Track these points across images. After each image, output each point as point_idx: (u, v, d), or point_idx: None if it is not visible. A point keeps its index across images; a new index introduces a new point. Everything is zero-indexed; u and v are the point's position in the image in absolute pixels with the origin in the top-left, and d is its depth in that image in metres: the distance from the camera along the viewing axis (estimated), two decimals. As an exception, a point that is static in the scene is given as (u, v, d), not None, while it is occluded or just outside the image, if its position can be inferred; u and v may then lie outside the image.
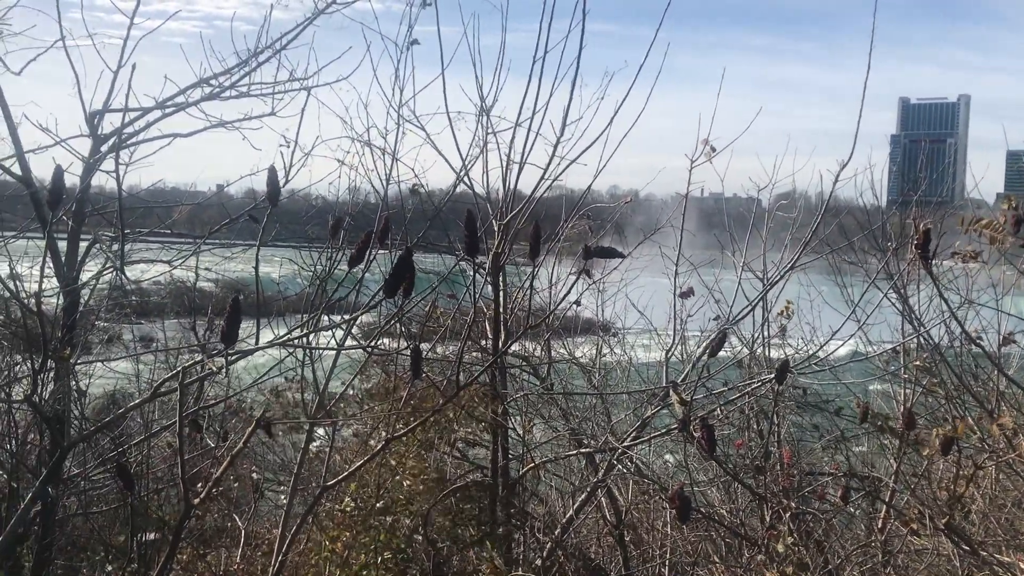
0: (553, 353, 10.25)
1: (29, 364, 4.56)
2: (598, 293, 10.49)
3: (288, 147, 5.03)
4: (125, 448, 5.42)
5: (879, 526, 6.81)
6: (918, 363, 6.10)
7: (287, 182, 4.90)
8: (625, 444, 6.36)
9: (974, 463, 4.74)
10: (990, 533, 6.44)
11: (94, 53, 5.79)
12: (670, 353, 7.57)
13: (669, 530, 8.38)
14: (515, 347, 10.02)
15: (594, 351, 10.92)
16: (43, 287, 5.18)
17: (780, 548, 4.87)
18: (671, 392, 5.19)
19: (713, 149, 7.49)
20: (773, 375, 4.95)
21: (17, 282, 4.21)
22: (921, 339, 7.00)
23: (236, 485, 8.22)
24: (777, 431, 8.33)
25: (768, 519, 5.68)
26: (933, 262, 6.96)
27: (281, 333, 4.62)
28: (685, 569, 7.81)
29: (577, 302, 9.83)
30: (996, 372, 6.81)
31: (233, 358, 3.98)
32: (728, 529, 6.43)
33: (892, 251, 6.54)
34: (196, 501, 3.41)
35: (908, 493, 6.27)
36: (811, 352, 6.56)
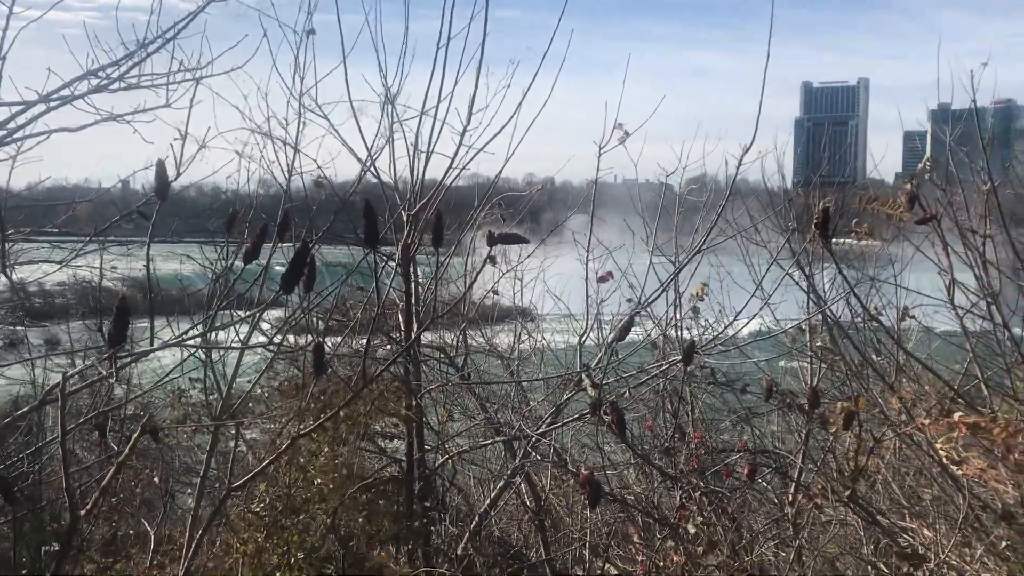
0: (472, 342, 10.23)
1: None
2: (515, 280, 10.52)
3: (180, 140, 4.82)
4: (15, 459, 5.15)
5: (789, 501, 6.98)
6: (819, 341, 6.24)
7: (179, 175, 4.70)
8: (540, 431, 6.36)
9: (873, 436, 4.88)
10: (894, 502, 6.67)
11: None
12: (584, 338, 7.62)
13: (589, 513, 8.47)
14: (432, 338, 9.96)
15: (512, 338, 10.95)
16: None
17: (691, 528, 4.94)
18: (583, 377, 5.21)
19: (627, 134, 7.52)
20: (681, 357, 5.00)
21: None
22: (825, 316, 7.19)
23: (139, 491, 7.93)
24: (690, 411, 8.50)
25: (679, 499, 5.76)
26: (839, 241, 7.17)
27: (179, 332, 4.46)
28: (603, 551, 7.88)
29: (494, 290, 9.84)
30: (895, 346, 7.07)
31: (125, 361, 3.81)
32: (640, 511, 6.50)
33: (793, 231, 6.68)
34: (83, 512, 3.24)
35: (814, 468, 6.44)
36: (717, 332, 6.65)
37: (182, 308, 5.67)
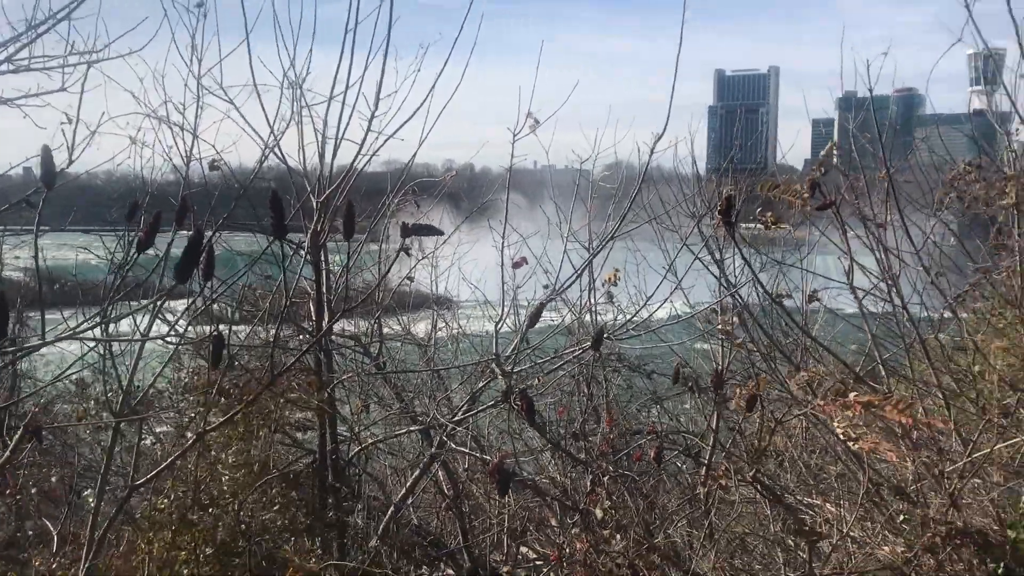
0: (388, 330, 10.12)
1: None
2: (432, 268, 10.45)
3: (70, 124, 4.61)
4: None
5: (701, 481, 7.12)
6: (722, 324, 6.37)
7: (72, 162, 4.50)
8: (455, 419, 6.34)
9: (774, 417, 5.01)
10: (801, 480, 6.87)
11: None
12: (499, 325, 7.62)
13: (501, 499, 8.50)
14: (347, 327, 9.82)
15: (429, 326, 10.90)
16: None
17: (599, 513, 4.99)
18: (493, 365, 5.20)
19: (537, 122, 7.51)
20: (590, 342, 5.03)
21: None
22: (734, 299, 7.34)
23: (45, 489, 7.63)
24: (605, 396, 8.59)
25: (589, 483, 5.82)
26: (750, 226, 7.32)
27: (73, 325, 4.28)
28: (519, 536, 7.92)
29: (409, 277, 9.76)
30: (802, 328, 7.26)
31: (20, 355, 3.64)
32: (549, 496, 6.55)
33: (701, 217, 6.79)
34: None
35: (721, 449, 6.58)
36: (629, 317, 6.73)
37: (86, 299, 5.45)
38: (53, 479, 7.30)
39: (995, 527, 4.12)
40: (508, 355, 5.64)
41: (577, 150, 9.22)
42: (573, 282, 7.35)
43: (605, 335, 5.53)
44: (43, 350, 7.29)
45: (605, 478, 5.44)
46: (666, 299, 6.35)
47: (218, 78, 6.07)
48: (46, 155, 3.50)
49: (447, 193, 10.86)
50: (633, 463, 6.31)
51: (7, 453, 3.18)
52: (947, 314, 5.69)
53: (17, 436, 3.15)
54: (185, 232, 4.36)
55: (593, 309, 8.82)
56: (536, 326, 7.91)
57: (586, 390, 7.88)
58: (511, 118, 7.12)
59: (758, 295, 7.15)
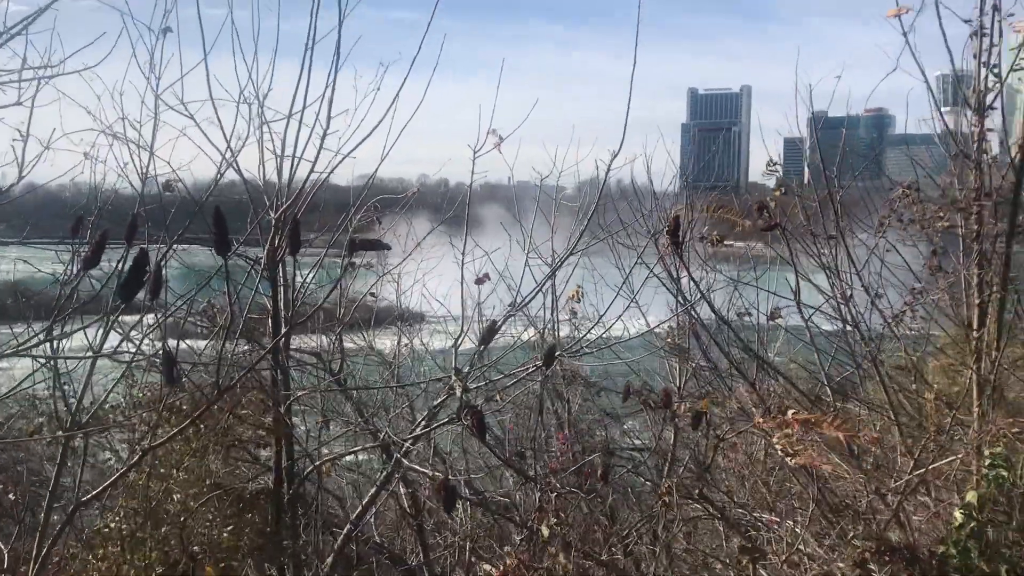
0: (351, 346, 10.09)
1: None
2: (396, 284, 10.45)
3: (21, 141, 4.60)
4: None
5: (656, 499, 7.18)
6: (670, 340, 6.46)
7: (22, 178, 4.49)
8: (409, 436, 6.35)
9: (717, 434, 5.09)
10: (758, 498, 6.95)
11: None
12: (460, 341, 7.64)
13: (466, 515, 8.50)
14: (310, 343, 9.78)
15: (394, 342, 10.87)
16: None
17: (544, 530, 5.02)
18: (453, 381, 5.23)
19: (500, 138, 7.57)
20: (543, 359, 5.08)
21: None
22: (689, 316, 7.43)
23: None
24: (565, 413, 8.64)
25: (537, 500, 5.86)
26: (730, 244, 7.41)
27: (20, 341, 4.27)
28: (480, 552, 7.92)
29: (372, 293, 9.75)
30: (758, 345, 7.37)
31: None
32: (497, 512, 6.58)
33: (655, 234, 6.87)
34: None
35: (678, 467, 6.64)
36: (583, 334, 6.78)
37: (35, 314, 5.41)
38: (11, 496, 7.20)
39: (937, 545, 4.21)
40: (465, 371, 5.66)
41: (540, 167, 9.30)
42: (532, 298, 7.39)
43: (558, 352, 5.57)
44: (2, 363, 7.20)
45: (553, 495, 5.47)
46: (618, 316, 6.41)
47: (179, 95, 6.07)
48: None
49: (423, 207, 10.87)
50: (584, 480, 6.35)
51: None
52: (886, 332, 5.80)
53: None
54: (134, 249, 4.37)
55: (555, 326, 8.89)
56: (502, 343, 7.95)
57: (542, 407, 7.91)
58: (480, 134, 7.17)
59: (714, 312, 7.25)
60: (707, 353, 7.03)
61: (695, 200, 8.65)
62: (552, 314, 8.78)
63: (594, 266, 9.50)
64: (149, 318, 5.94)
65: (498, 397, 6.04)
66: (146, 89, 5.56)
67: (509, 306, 7.84)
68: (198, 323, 6.94)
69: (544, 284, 7.51)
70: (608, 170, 7.18)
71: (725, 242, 5.27)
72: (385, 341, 11.17)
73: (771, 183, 6.67)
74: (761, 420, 4.03)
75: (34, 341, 4.09)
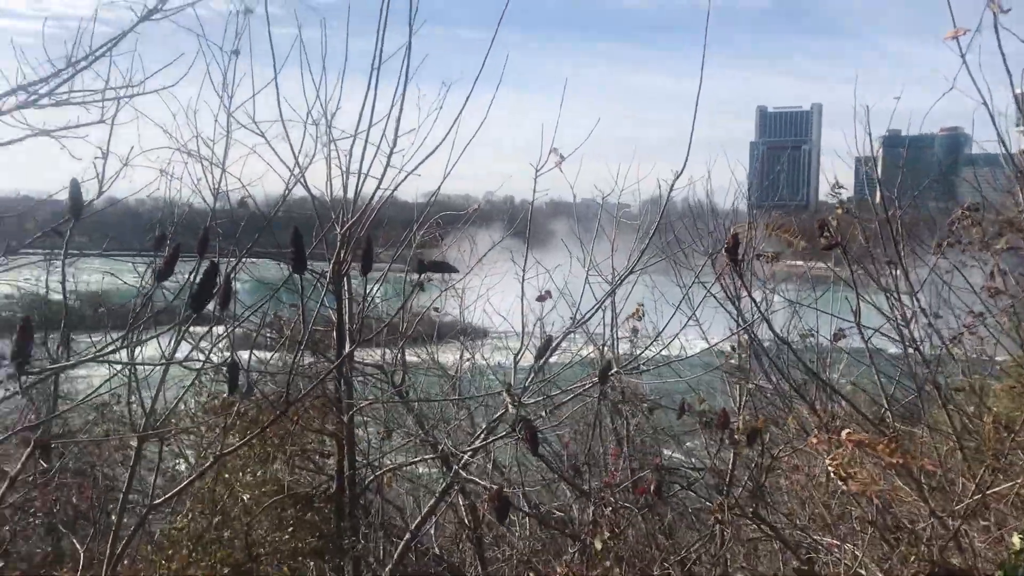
0: (414, 359, 10.26)
1: None
2: (459, 299, 10.61)
3: (102, 158, 4.86)
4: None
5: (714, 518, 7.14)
6: (726, 361, 6.44)
7: (102, 193, 4.74)
8: (470, 448, 6.45)
9: (771, 454, 5.06)
10: (814, 517, 6.86)
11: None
12: (519, 356, 7.73)
13: (526, 532, 8.56)
14: (373, 356, 9.99)
15: (456, 357, 11.02)
16: None
17: (597, 544, 5.05)
18: (504, 395, 5.32)
19: (562, 158, 7.66)
20: (599, 376, 5.13)
21: None
22: (750, 336, 7.38)
23: (68, 506, 7.86)
24: (624, 428, 8.64)
25: (591, 514, 5.89)
26: (795, 263, 7.35)
27: (98, 348, 4.49)
28: (538, 567, 7.96)
29: (435, 307, 9.92)
30: (819, 367, 7.29)
31: (44, 376, 3.84)
32: (552, 525, 6.62)
33: (713, 253, 6.86)
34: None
35: (736, 487, 6.59)
36: (640, 351, 6.80)
37: (113, 323, 5.68)
38: (83, 498, 7.51)
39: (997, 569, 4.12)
40: (522, 386, 5.74)
41: (600, 184, 9.38)
42: (592, 315, 7.44)
43: (616, 369, 5.62)
44: (82, 371, 7.55)
45: (608, 509, 5.49)
46: (675, 335, 6.41)
47: (251, 114, 6.31)
48: (74, 188, 3.73)
49: (487, 223, 11.01)
50: (639, 496, 6.36)
51: (19, 466, 3.36)
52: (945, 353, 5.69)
53: (27, 452, 3.33)
54: (207, 261, 4.57)
55: (614, 343, 8.92)
56: (561, 359, 8.01)
57: (599, 423, 7.94)
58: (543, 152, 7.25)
59: (774, 333, 7.20)
60: (767, 374, 6.97)
61: (760, 219, 8.61)
62: (611, 331, 8.82)
63: (655, 284, 9.52)
64: (219, 328, 6.19)
65: (545, 412, 6.09)
66: (219, 108, 5.82)
67: (569, 320, 7.92)
68: (266, 334, 7.16)
69: (604, 301, 7.55)
70: (671, 189, 7.19)
71: (787, 262, 5.24)
72: (447, 355, 11.33)
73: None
74: (815, 440, 4.01)
75: (111, 348, 4.30)
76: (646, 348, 6.53)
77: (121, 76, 6.04)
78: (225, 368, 6.58)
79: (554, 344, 5.64)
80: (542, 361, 5.47)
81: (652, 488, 5.45)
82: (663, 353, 7.16)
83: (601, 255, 8.93)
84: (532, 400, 5.86)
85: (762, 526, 5.22)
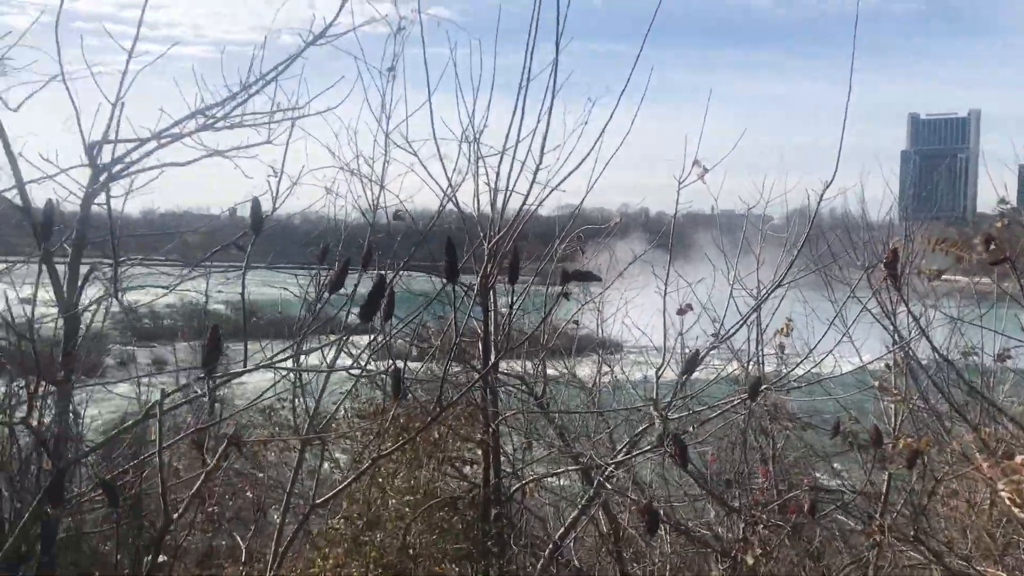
0: (552, 372, 10.38)
1: (26, 388, 4.74)
2: (598, 312, 10.64)
3: (275, 177, 5.21)
4: (123, 469, 5.57)
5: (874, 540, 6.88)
6: (881, 381, 6.19)
7: (275, 210, 5.07)
8: (612, 461, 6.48)
9: (934, 476, 4.84)
10: (978, 546, 6.51)
11: (94, 85, 5.98)
12: (660, 371, 7.70)
13: (667, 547, 8.49)
14: (514, 367, 10.16)
15: (593, 370, 11.05)
16: (42, 314, 5.39)
17: (749, 560, 4.97)
18: (651, 410, 5.32)
19: (705, 170, 7.61)
20: (747, 392, 5.06)
21: (15, 308, 4.40)
22: (907, 355, 7.09)
23: (232, 504, 8.36)
24: (770, 447, 8.44)
25: (741, 532, 5.79)
26: (950, 278, 7.02)
27: (271, 355, 4.79)
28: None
29: (575, 321, 10.00)
30: (983, 387, 6.91)
31: (224, 380, 4.14)
32: (699, 541, 6.54)
33: (870, 267, 6.64)
34: (176, 516, 3.57)
35: (891, 510, 6.34)
36: (791, 368, 6.65)
37: (277, 332, 6.05)
38: (249, 494, 7.97)
39: None
40: (667, 401, 5.74)
41: (744, 196, 9.23)
42: (737, 330, 7.33)
43: (764, 386, 5.52)
44: (241, 379, 8.02)
45: (758, 527, 5.40)
46: (829, 352, 6.23)
47: (404, 133, 6.62)
48: (255, 206, 4.02)
49: (625, 236, 11.02)
50: (789, 516, 6.21)
51: (213, 462, 3.64)
52: None
53: (222, 448, 3.60)
54: (369, 274, 4.82)
55: (760, 359, 8.73)
56: (703, 375, 7.92)
57: (745, 440, 7.79)
58: (671, 163, 7.25)
59: (935, 351, 6.88)
60: (924, 394, 6.68)
61: (915, 231, 8.26)
62: (757, 347, 8.64)
63: (804, 299, 9.27)
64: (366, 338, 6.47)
65: (693, 428, 6.04)
66: (378, 129, 6.13)
67: (711, 336, 7.82)
68: (416, 344, 7.42)
69: (749, 316, 7.42)
70: (820, 200, 7.01)
71: (947, 277, 5.02)
72: (583, 368, 11.38)
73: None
74: (985, 465, 3.82)
75: (283, 356, 4.59)
76: (797, 365, 6.38)
77: (286, 98, 6.48)
78: (382, 376, 6.88)
79: (701, 359, 5.59)
80: (687, 376, 5.44)
81: (805, 508, 5.31)
82: (814, 370, 6.98)
83: (744, 268, 8.79)
84: (677, 416, 5.83)
85: (924, 552, 4.99)
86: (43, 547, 5.67)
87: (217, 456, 3.58)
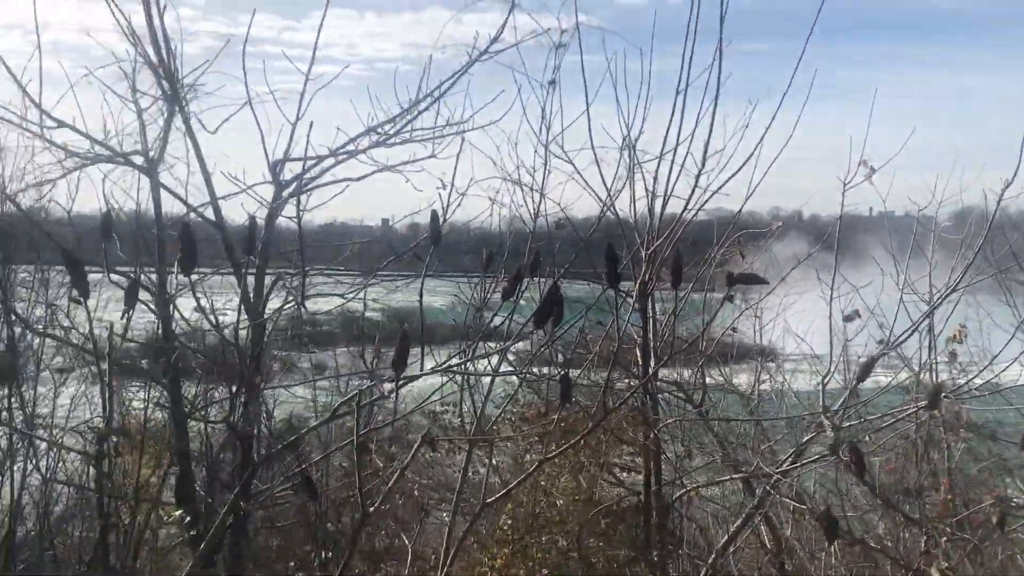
0: (709, 380, 10.23)
1: (227, 390, 5.14)
2: (756, 319, 10.41)
3: (445, 189, 5.44)
4: (307, 464, 5.93)
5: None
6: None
7: (445, 220, 5.29)
8: (780, 470, 6.34)
9: None
10: None
11: (275, 106, 6.43)
12: (827, 379, 7.47)
13: (833, 560, 8.19)
14: (668, 374, 10.09)
15: (752, 378, 10.81)
16: (235, 321, 5.84)
17: (935, 573, 4.75)
18: (823, 418, 5.19)
19: (872, 170, 7.37)
20: (926, 401, 4.86)
21: (215, 316, 4.78)
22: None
23: (401, 502, 8.70)
24: (946, 458, 8.00)
25: (923, 545, 5.53)
26: None
27: (442, 360, 5.00)
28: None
29: (733, 328, 9.81)
30: None
31: (402, 383, 4.36)
32: (880, 552, 6.27)
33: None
34: (372, 509, 3.78)
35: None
36: (970, 377, 6.31)
37: (433, 338, 6.29)
38: (415, 493, 8.29)
39: None
40: (837, 409, 5.57)
41: (915, 196, 8.82)
42: (908, 337, 7.01)
43: (943, 395, 5.28)
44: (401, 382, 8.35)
45: (943, 539, 5.16)
46: (1015, 359, 5.88)
47: (561, 143, 6.77)
48: (434, 218, 4.23)
49: (780, 239, 10.77)
50: (975, 529, 5.88)
51: (408, 458, 3.84)
52: None
53: (417, 444, 3.80)
54: (535, 281, 4.95)
55: (933, 368, 8.29)
56: (865, 384, 7.60)
57: (927, 451, 7.44)
58: (839, 163, 7.07)
59: None
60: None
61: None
62: (929, 355, 8.23)
63: (977, 303, 8.77)
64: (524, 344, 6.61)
65: (869, 437, 5.83)
66: (538, 142, 6.31)
67: (878, 343, 7.51)
68: (575, 350, 7.52)
69: (921, 322, 7.09)
70: (999, 199, 6.65)
71: None
72: (740, 376, 11.15)
73: None
74: None
75: (454, 361, 4.78)
76: (978, 374, 6.06)
77: (448, 113, 6.76)
78: (545, 380, 7.03)
79: (873, 365, 5.41)
80: (859, 382, 5.27)
81: (996, 521, 5.04)
82: (993, 380, 6.60)
83: (914, 272, 8.40)
84: (849, 423, 5.65)
85: None
86: (234, 539, 6.12)
87: (412, 453, 3.78)
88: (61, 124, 5.96)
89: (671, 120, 6.64)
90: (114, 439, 5.62)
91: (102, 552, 5.17)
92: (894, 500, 6.33)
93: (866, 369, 4.84)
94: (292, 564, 6.19)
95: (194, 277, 3.51)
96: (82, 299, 3.17)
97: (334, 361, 14.60)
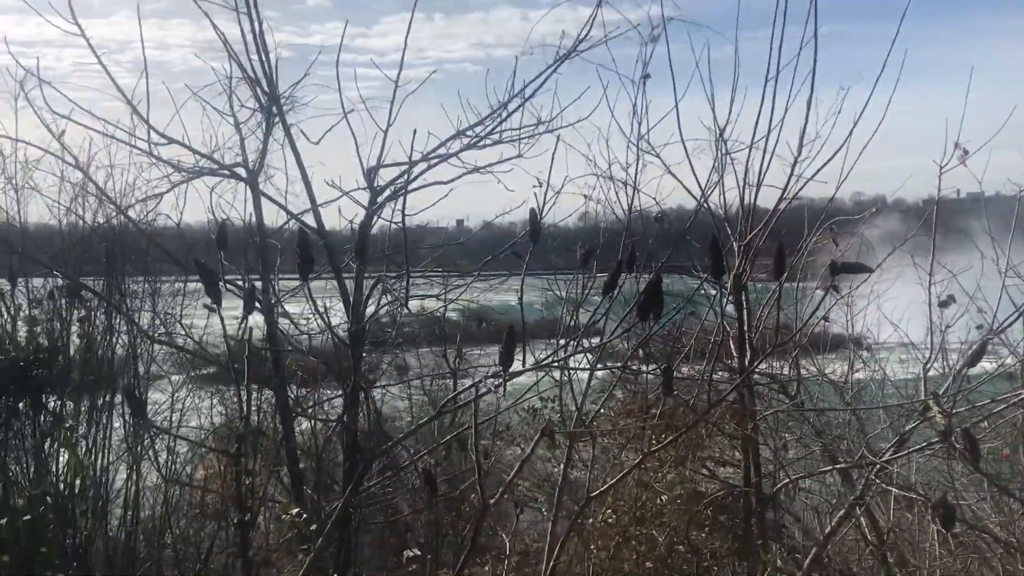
0: (802, 371, 10.08)
1: (341, 389, 5.34)
2: (847, 307, 10.21)
3: (540, 187, 5.53)
4: (418, 457, 6.11)
5: None
6: None
7: (542, 218, 5.38)
8: (883, 459, 6.25)
9: None
10: None
11: (367, 114, 6.63)
12: (928, 366, 7.32)
13: (937, 550, 8.00)
14: (762, 365, 9.96)
15: (845, 367, 10.61)
16: (338, 323, 6.06)
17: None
18: (931, 404, 5.11)
19: (965, 152, 7.21)
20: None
21: (327, 317, 4.99)
22: None
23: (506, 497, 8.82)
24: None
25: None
26: None
27: (541, 356, 5.11)
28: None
29: (825, 318, 9.65)
30: None
31: (509, 378, 4.48)
32: (999, 541, 6.13)
33: None
34: (492, 500, 3.90)
35: None
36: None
37: (535, 335, 6.39)
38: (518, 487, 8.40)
39: None
40: (944, 395, 5.48)
41: (1015, 176, 8.57)
42: (1013, 322, 6.82)
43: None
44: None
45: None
46: None
47: (650, 138, 6.78)
48: (533, 217, 4.33)
49: (867, 224, 10.55)
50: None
51: (529, 450, 3.96)
52: None
53: (538, 436, 3.91)
54: (633, 275, 5.01)
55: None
56: (978, 370, 7.40)
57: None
58: (923, 145, 6.95)
59: None
60: None
61: None
62: (1034, 340, 7.97)
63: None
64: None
65: (985, 423, 5.71)
66: (630, 135, 6.34)
67: (977, 328, 7.31)
68: (671, 344, 7.53)
69: (1024, 306, 6.89)
70: (1102, 176, 6.44)
71: None
72: (834, 366, 10.95)
73: None
74: None
75: (552, 359, 4.88)
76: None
77: (535, 112, 6.84)
78: (644, 375, 7.07)
79: (984, 350, 5.30)
80: (970, 367, 5.17)
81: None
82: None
83: (1018, 256, 8.15)
84: (957, 410, 5.55)
85: None
86: (342, 534, 6.33)
87: (532, 445, 3.88)
88: (171, 140, 6.26)
89: (760, 108, 6.61)
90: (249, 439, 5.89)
91: (242, 548, 5.43)
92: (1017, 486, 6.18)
93: (977, 355, 4.77)
94: (406, 555, 6.35)
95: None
96: (215, 307, 3.36)
97: (417, 361, 14.87)
